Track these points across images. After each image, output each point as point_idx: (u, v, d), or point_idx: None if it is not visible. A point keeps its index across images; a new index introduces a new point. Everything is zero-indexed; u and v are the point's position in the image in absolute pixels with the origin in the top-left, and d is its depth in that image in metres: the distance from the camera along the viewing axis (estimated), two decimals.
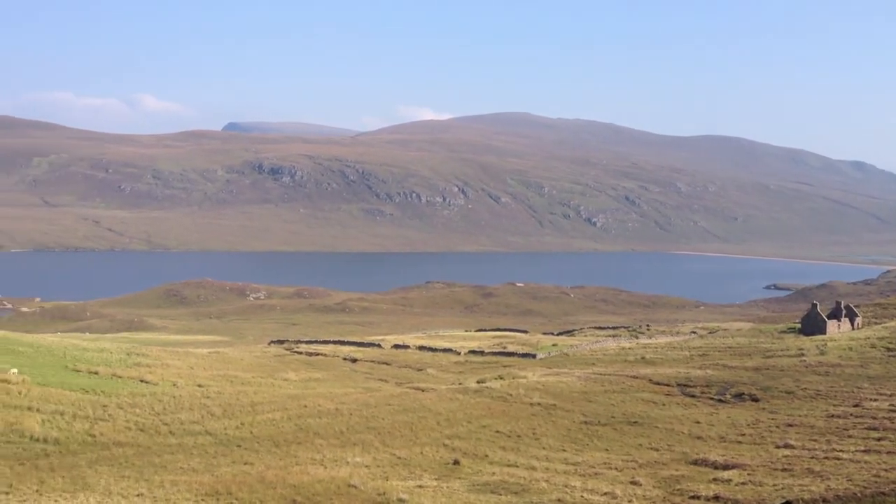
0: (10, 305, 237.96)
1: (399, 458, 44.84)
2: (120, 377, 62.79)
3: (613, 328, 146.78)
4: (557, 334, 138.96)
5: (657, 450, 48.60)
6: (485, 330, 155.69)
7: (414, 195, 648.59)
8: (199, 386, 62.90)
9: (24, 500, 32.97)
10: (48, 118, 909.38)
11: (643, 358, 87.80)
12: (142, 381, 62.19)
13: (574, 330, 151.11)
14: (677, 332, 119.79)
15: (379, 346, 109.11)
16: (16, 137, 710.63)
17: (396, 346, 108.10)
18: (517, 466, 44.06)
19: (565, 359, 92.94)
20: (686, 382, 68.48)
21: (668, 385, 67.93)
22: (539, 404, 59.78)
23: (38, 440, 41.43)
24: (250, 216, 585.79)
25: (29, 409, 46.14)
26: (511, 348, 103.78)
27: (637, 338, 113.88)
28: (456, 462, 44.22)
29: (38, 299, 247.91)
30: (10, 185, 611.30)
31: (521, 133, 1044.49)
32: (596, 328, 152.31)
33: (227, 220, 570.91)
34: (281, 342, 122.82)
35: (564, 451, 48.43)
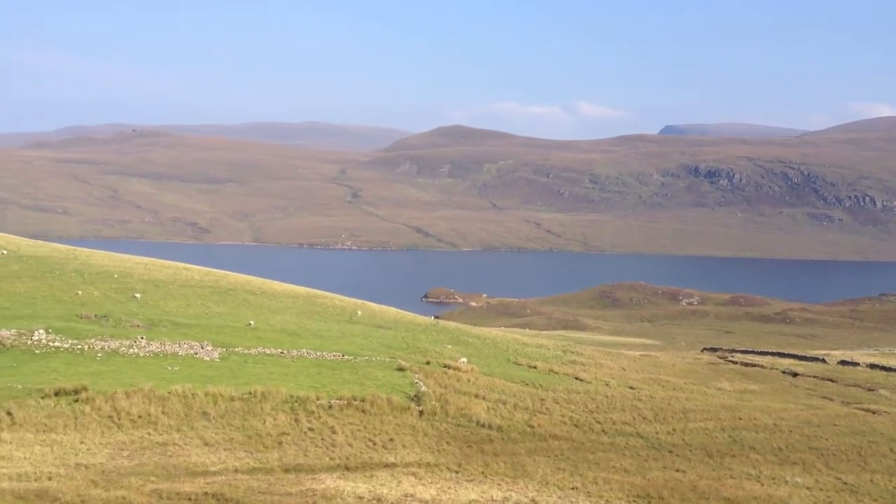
0: (461, 300, 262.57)
1: (845, 483, 40.95)
2: (556, 373, 65.66)
3: None
4: None
5: None
6: None
7: (867, 199, 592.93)
8: (631, 388, 63.41)
9: (472, 480, 35.62)
10: (498, 127, 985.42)
11: None
12: (576, 378, 64.37)
13: None
14: None
15: (823, 360, 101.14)
16: (470, 146, 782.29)
17: (843, 363, 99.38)
18: None
19: None
20: None
21: None
22: None
23: (483, 426, 44.42)
24: (684, 220, 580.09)
25: (476, 396, 49.81)
26: None
27: None
28: None
29: (484, 295, 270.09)
30: (464, 189, 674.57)
31: None
32: None
33: (660, 224, 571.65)
34: (714, 350, 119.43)
35: None
